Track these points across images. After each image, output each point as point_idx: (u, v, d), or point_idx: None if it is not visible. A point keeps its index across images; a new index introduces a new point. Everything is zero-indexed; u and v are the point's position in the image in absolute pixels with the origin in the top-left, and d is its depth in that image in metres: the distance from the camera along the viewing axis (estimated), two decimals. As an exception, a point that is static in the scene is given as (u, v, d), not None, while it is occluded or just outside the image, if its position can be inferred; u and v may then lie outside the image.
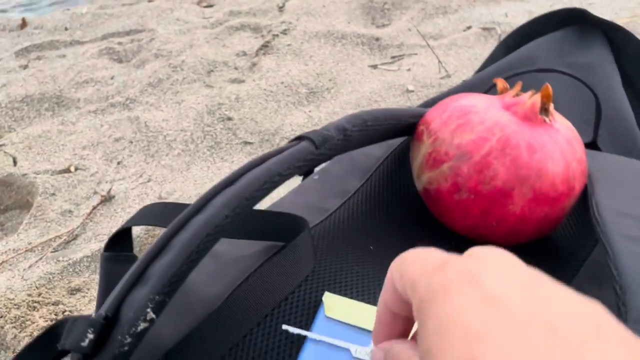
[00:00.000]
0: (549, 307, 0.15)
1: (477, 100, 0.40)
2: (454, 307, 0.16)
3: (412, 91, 0.96)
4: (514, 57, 0.64)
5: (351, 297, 0.34)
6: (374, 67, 1.09)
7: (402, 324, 0.22)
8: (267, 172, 0.32)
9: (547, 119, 0.39)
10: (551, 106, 0.39)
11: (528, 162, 0.36)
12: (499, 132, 0.37)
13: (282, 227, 0.37)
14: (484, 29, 1.14)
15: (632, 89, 0.65)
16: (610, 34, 0.66)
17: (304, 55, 1.13)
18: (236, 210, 0.30)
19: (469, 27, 1.18)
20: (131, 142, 0.88)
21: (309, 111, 0.93)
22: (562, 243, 0.42)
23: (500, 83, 0.42)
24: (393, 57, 1.11)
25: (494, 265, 0.17)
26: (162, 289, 0.27)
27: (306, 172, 0.55)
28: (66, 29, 1.45)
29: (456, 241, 0.42)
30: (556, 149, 0.37)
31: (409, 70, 1.04)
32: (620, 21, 1.08)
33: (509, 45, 0.69)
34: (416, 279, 0.18)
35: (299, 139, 0.35)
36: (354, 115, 0.38)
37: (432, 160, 0.40)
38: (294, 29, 1.24)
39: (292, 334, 0.31)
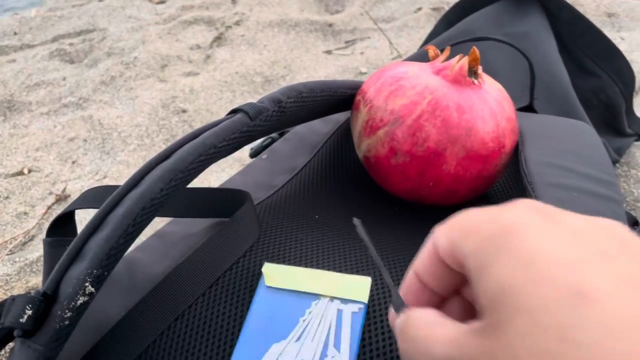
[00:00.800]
0: (633, 241, 0.15)
1: (408, 68, 0.42)
2: (541, 239, 0.15)
3: (365, 73, 0.98)
4: (455, 30, 0.66)
5: (294, 264, 0.35)
6: (329, 52, 1.09)
7: (429, 296, 0.21)
8: (201, 145, 0.32)
9: (475, 81, 0.40)
10: (479, 69, 0.41)
11: (458, 122, 0.38)
12: (429, 95, 0.39)
13: (224, 202, 0.38)
14: (434, 9, 1.16)
15: (569, 54, 0.67)
16: (546, 3, 0.68)
17: (258, 44, 1.13)
18: (171, 183, 0.31)
19: (420, 9, 1.20)
20: (85, 141, 0.87)
21: (265, 99, 0.94)
22: (499, 201, 0.44)
23: (432, 50, 0.44)
24: (347, 42, 1.12)
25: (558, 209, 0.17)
26: (99, 263, 0.27)
27: (254, 154, 0.56)
28: (15, 33, 1.41)
29: (399, 205, 0.44)
30: (485, 108, 0.39)
31: (362, 53, 1.05)
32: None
33: (450, 20, 0.71)
34: (474, 225, 0.17)
35: (234, 112, 0.36)
36: (289, 87, 0.39)
37: (369, 127, 0.41)
38: (247, 19, 1.24)
39: (236, 302, 0.32)
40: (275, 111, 0.37)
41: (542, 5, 0.68)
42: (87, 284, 0.27)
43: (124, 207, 0.29)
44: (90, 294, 0.27)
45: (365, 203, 0.44)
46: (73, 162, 0.83)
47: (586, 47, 0.67)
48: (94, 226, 0.29)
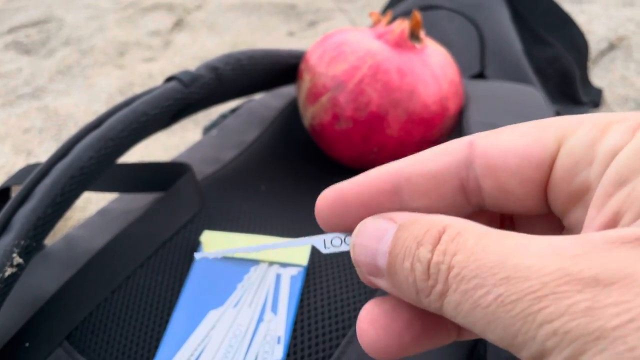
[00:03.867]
0: None
1: (350, 34, 0.41)
2: None
3: (327, 53, 0.97)
4: (409, 3, 0.65)
5: (235, 232, 0.35)
6: (291, 34, 1.08)
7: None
8: (132, 112, 0.31)
9: (417, 45, 0.40)
10: (421, 33, 0.41)
11: (399, 85, 0.38)
12: (370, 59, 0.38)
13: (164, 175, 0.37)
14: (395, -12, 1.16)
15: (524, 24, 0.68)
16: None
17: (219, 28, 1.11)
18: (101, 151, 0.30)
19: (382, -12, 1.19)
20: (41, 131, 0.84)
21: (226, 82, 0.92)
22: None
23: (374, 16, 0.43)
24: (309, 24, 1.11)
25: None
26: (26, 234, 0.26)
27: (206, 131, 0.55)
28: (-32, 25, 1.36)
29: (347, 174, 0.43)
30: (426, 72, 0.39)
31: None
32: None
33: (404, -8, 0.70)
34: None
35: (169, 80, 0.35)
36: (228, 54, 0.38)
37: (312, 95, 0.40)
38: (208, 3, 1.21)
39: (174, 272, 0.32)
40: (212, 78, 0.36)
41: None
42: (14, 255, 0.26)
43: (51, 177, 0.28)
44: (19, 265, 0.26)
45: (314, 174, 0.44)
46: (28, 153, 0.80)
47: (540, 17, 0.67)
48: (22, 197, 0.28)
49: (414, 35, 0.40)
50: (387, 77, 0.37)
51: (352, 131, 0.39)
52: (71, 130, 0.82)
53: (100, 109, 0.86)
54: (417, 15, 0.39)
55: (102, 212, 0.39)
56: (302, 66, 0.42)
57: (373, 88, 0.37)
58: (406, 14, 0.60)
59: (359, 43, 0.39)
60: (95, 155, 0.29)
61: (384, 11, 0.72)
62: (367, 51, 0.39)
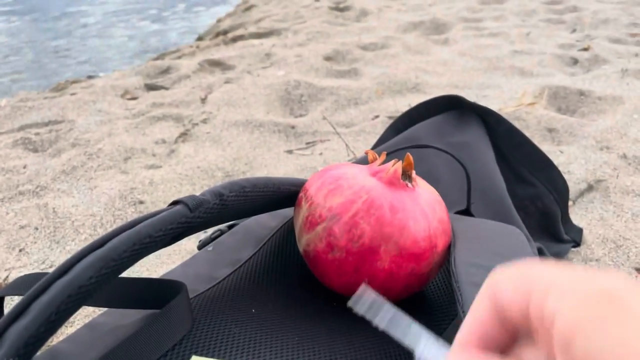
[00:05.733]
0: None
1: (348, 169, 0.45)
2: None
3: (323, 173, 1.02)
4: (401, 137, 0.70)
5: (223, 356, 0.35)
6: (290, 152, 1.14)
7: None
8: (137, 234, 0.33)
9: (409, 184, 0.43)
10: (413, 173, 0.44)
11: (391, 220, 0.40)
12: (364, 194, 0.41)
13: (158, 293, 0.38)
14: (390, 117, 1.24)
15: (507, 165, 0.73)
16: (485, 117, 0.74)
17: (222, 141, 1.17)
18: (102, 271, 0.31)
19: (377, 116, 1.28)
20: (37, 229, 0.85)
21: (224, 194, 0.95)
22: (435, 299, 0.45)
23: (370, 154, 0.47)
24: (307, 143, 1.18)
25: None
26: (16, 352, 0.27)
27: (201, 246, 0.56)
28: (-18, 120, 1.43)
29: (337, 302, 0.44)
30: (417, 209, 0.41)
31: (321, 154, 1.10)
32: (508, 109, 1.22)
33: (398, 128, 0.76)
34: (563, 281, 0.16)
35: (175, 203, 0.37)
36: (232, 181, 0.41)
37: (309, 223, 0.42)
38: (215, 118, 1.29)
39: (159, 396, 0.31)
40: (217, 204, 0.38)
41: (482, 119, 0.74)
42: (1, 372, 0.26)
43: (49, 295, 0.29)
44: (4, 384, 0.26)
45: (305, 298, 0.45)
46: (20, 250, 0.81)
47: (522, 158, 0.72)
48: (17, 313, 0.29)
49: (406, 175, 0.43)
50: (380, 212, 0.40)
51: (345, 261, 0.40)
52: (67, 231, 0.84)
53: (99, 211, 0.88)
54: (410, 157, 0.43)
55: (90, 326, 0.39)
56: (302, 194, 0.45)
57: (366, 222, 0.40)
58: (397, 150, 0.65)
59: (355, 178, 0.43)
60: (95, 275, 0.30)
61: (376, 145, 0.77)
62: (362, 187, 0.42)
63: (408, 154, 0.43)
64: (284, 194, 0.46)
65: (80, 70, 2.77)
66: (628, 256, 0.72)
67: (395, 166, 0.43)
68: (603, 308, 0.14)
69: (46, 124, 1.36)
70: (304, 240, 0.43)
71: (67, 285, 0.29)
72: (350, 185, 0.42)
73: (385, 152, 0.46)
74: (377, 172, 0.43)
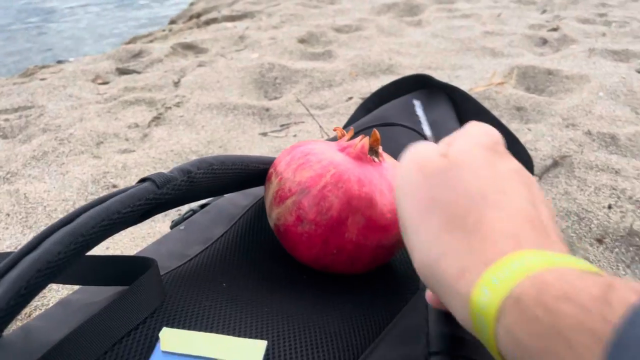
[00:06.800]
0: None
1: (316, 145, 0.46)
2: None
3: (296, 154, 1.02)
4: (371, 116, 0.72)
5: (195, 329, 0.36)
6: (264, 134, 1.14)
7: None
8: (105, 210, 0.34)
9: (376, 159, 0.44)
10: (380, 148, 0.45)
11: (358, 193, 0.41)
12: (332, 168, 0.42)
13: (128, 269, 0.39)
14: (363, 98, 1.25)
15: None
16: (452, 94, 0.76)
17: (196, 125, 1.17)
18: (70, 246, 0.31)
19: (351, 98, 1.29)
20: (8, 215, 0.85)
21: (198, 177, 0.96)
22: (401, 271, 0.47)
23: (338, 131, 0.48)
24: (282, 125, 1.18)
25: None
26: (-14, 324, 0.27)
27: (174, 225, 0.57)
28: (-53, 107, 1.39)
29: (307, 274, 0.45)
30: (383, 183, 0.43)
31: (295, 136, 1.11)
32: (478, 89, 1.24)
33: (368, 107, 0.77)
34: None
35: (143, 180, 0.37)
36: (200, 159, 0.41)
37: (279, 197, 0.43)
38: (188, 101, 1.28)
39: (131, 366, 0.32)
40: (184, 181, 0.39)
41: (449, 96, 0.76)
42: (-28, 346, 0.27)
43: (18, 270, 0.30)
44: (-25, 356, 0.27)
45: (276, 272, 0.46)
46: (-9, 236, 0.80)
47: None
48: None
49: (372, 150, 0.45)
50: (347, 186, 0.41)
51: (314, 233, 0.42)
52: (39, 216, 0.83)
53: (71, 196, 0.87)
54: (377, 133, 0.44)
55: (63, 303, 0.40)
56: (271, 170, 0.46)
57: (334, 194, 0.41)
58: (366, 128, 0.66)
59: (323, 153, 0.44)
60: (64, 250, 0.31)
61: (347, 124, 0.78)
62: (330, 161, 0.43)
63: (375, 130, 0.45)
64: (254, 172, 0.47)
65: (49, 55, 2.71)
66: (590, 228, 0.75)
67: (362, 141, 0.44)
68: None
69: (15, 110, 1.33)
70: (274, 215, 0.44)
71: (36, 260, 0.30)
72: (319, 159, 0.43)
73: (353, 129, 0.47)
74: (345, 148, 0.44)
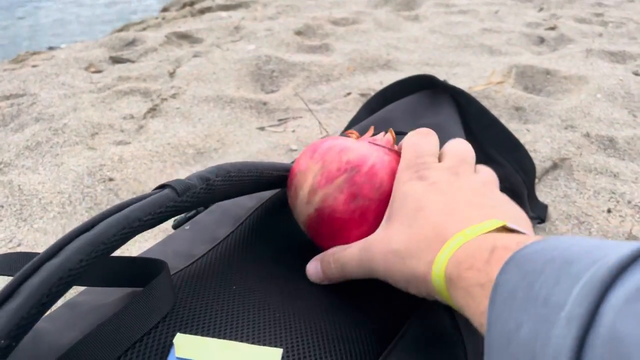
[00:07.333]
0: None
1: (341, 139, 0.45)
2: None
3: (295, 150, 1.02)
4: (375, 118, 0.71)
5: (208, 334, 0.35)
6: (262, 128, 1.13)
7: None
8: (125, 218, 0.33)
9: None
10: (395, 147, 0.45)
11: None
12: (374, 152, 0.42)
13: (139, 271, 0.38)
14: (362, 94, 1.25)
15: (478, 145, 0.74)
16: (457, 97, 0.76)
17: (193, 117, 1.15)
18: (92, 255, 0.31)
19: (349, 93, 1.28)
20: (2, 207, 0.83)
21: (196, 170, 0.95)
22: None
23: (354, 135, 0.47)
24: (280, 120, 1.17)
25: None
26: (8, 334, 0.27)
27: (177, 225, 0.56)
28: (-64, 92, 1.36)
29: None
30: None
31: (293, 131, 1.10)
32: (477, 88, 1.24)
33: (372, 107, 0.77)
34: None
35: (162, 187, 0.37)
36: (218, 166, 0.41)
37: (325, 178, 0.42)
38: (184, 93, 1.27)
39: (144, 374, 0.32)
40: (203, 189, 0.38)
41: (454, 99, 0.76)
42: (-6, 355, 0.26)
43: (39, 277, 0.29)
44: (-4, 366, 0.26)
45: (285, 275, 0.45)
46: (-15, 229, 0.79)
47: (492, 139, 0.74)
48: (7, 294, 0.28)
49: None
50: (392, 165, 0.41)
51: (367, 209, 0.41)
52: (34, 209, 0.82)
53: (67, 188, 0.86)
54: (392, 131, 0.44)
55: (71, 305, 0.39)
56: (302, 162, 0.45)
57: (384, 172, 0.41)
58: (367, 128, 0.65)
59: (355, 143, 0.43)
60: (86, 259, 0.30)
61: (350, 124, 0.78)
62: (367, 147, 0.42)
63: (391, 129, 0.44)
64: (267, 179, 0.46)
65: (40, 41, 2.66)
66: (590, 231, 0.75)
67: (387, 135, 0.44)
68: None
69: (7, 98, 1.31)
70: (319, 198, 0.43)
71: (58, 267, 0.29)
72: (357, 146, 0.43)
73: (373, 127, 0.47)
74: (373, 141, 0.44)
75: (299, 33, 1.79)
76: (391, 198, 0.34)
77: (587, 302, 0.14)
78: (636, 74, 1.33)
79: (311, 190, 0.44)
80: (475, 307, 0.22)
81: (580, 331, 0.14)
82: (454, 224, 0.27)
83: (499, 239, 0.23)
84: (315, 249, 0.45)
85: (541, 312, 0.16)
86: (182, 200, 0.36)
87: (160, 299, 0.36)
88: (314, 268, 0.38)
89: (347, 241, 0.44)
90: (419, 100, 0.74)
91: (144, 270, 0.38)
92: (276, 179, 0.47)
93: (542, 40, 1.70)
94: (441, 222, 0.28)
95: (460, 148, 0.38)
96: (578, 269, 0.16)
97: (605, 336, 0.13)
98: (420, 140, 0.37)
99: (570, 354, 0.14)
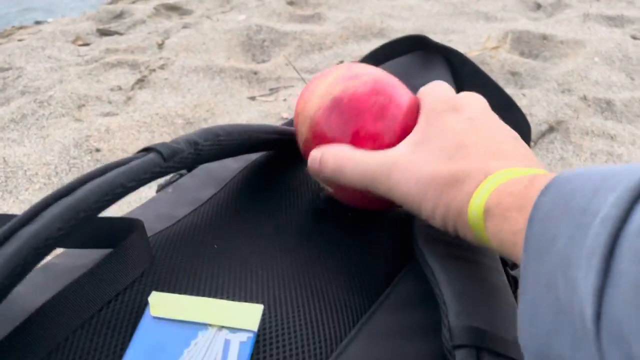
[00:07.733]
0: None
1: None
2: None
3: (287, 118, 1.00)
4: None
5: (186, 293, 0.34)
6: (252, 98, 1.11)
7: None
8: (109, 183, 0.31)
9: None
10: None
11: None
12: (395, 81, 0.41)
13: (114, 231, 0.36)
14: (354, 62, 1.22)
15: (471, 105, 0.73)
16: (449, 57, 0.73)
17: (182, 88, 1.13)
18: (70, 222, 0.29)
19: (341, 61, 1.25)
20: (-14, 179, 0.81)
21: (185, 141, 0.93)
22: (402, 234, 0.46)
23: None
24: (271, 89, 1.15)
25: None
26: (-20, 302, 0.25)
27: (160, 189, 0.55)
28: None
29: (303, 235, 0.44)
30: None
31: (284, 100, 1.08)
32: (472, 53, 1.21)
33: (362, 68, 0.74)
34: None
35: (147, 150, 0.35)
36: (206, 129, 0.39)
37: (348, 78, 0.40)
38: (173, 64, 1.24)
39: (117, 334, 0.30)
40: (191, 153, 0.36)
41: (447, 59, 0.73)
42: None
43: (13, 246, 0.27)
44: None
45: (270, 233, 0.44)
46: (-31, 201, 0.77)
47: (486, 98, 0.72)
48: None
49: None
50: (410, 97, 0.40)
51: (387, 106, 0.39)
52: (20, 180, 0.80)
53: (53, 160, 0.84)
54: None
55: (45, 268, 0.37)
56: (311, 86, 0.42)
57: (407, 97, 0.40)
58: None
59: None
60: (64, 227, 0.28)
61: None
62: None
63: None
64: (257, 140, 0.44)
65: (26, 16, 2.60)
66: (585, 193, 0.74)
67: None
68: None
69: (-9, 72, 1.28)
70: (340, 87, 0.41)
71: (34, 236, 0.27)
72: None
73: None
74: None
75: (290, 3, 1.75)
76: (421, 124, 0.32)
77: (622, 203, 0.15)
78: (634, 37, 1.30)
79: (332, 83, 0.42)
80: (509, 228, 0.22)
81: (614, 228, 0.14)
82: (498, 162, 0.28)
83: (538, 174, 0.25)
84: (300, 208, 0.44)
85: (578, 221, 0.17)
86: (168, 166, 0.34)
87: (134, 257, 0.34)
88: (318, 154, 0.34)
89: (354, 138, 0.42)
90: (411, 60, 0.72)
91: (118, 230, 0.36)
92: (265, 141, 0.45)
93: (538, 6, 1.66)
94: (485, 160, 0.28)
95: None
96: (616, 181, 0.17)
97: (638, 231, 0.14)
98: (441, 84, 0.37)
99: (604, 250, 0.14)
